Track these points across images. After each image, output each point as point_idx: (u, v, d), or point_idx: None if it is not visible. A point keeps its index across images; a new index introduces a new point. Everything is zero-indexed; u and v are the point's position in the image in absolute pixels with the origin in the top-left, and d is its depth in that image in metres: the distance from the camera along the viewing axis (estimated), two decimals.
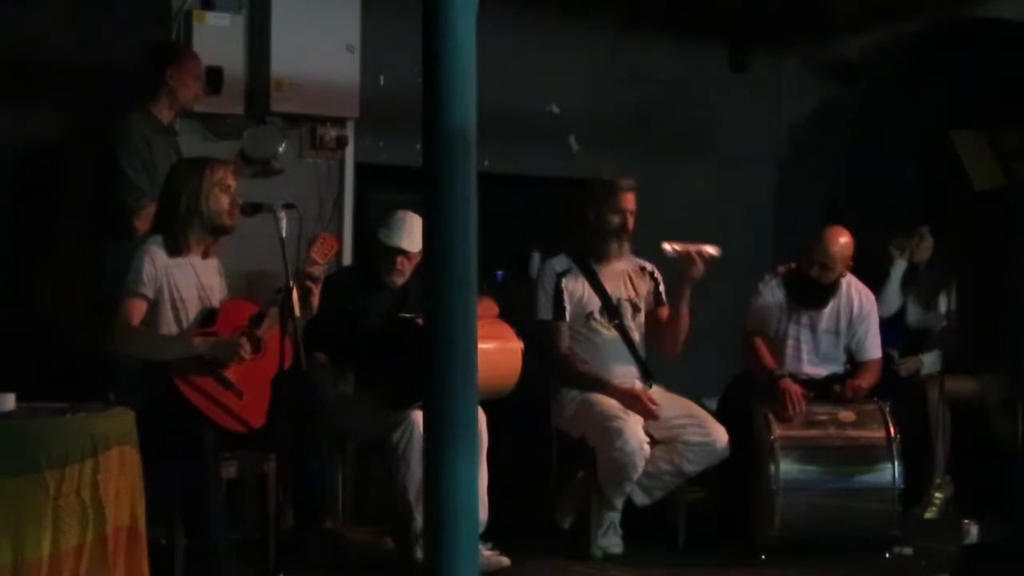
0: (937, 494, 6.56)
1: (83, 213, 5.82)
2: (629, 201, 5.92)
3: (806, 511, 5.68)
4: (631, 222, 5.93)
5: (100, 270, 5.40)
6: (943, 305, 6.88)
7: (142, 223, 5.35)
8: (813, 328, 6.20)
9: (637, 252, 6.09)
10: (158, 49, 5.75)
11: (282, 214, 4.90)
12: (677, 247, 5.74)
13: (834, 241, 6.07)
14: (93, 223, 5.67)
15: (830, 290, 6.16)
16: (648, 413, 5.76)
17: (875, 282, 6.51)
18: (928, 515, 6.51)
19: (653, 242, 5.97)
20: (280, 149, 6.21)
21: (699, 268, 5.73)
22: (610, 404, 5.76)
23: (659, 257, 5.94)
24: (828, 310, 6.19)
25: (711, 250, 5.76)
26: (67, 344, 5.69)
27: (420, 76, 3.42)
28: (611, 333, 5.95)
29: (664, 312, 6.00)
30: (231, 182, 5.04)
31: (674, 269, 5.83)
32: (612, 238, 5.93)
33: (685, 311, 5.87)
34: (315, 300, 5.07)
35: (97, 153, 5.62)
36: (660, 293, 6.03)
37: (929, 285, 6.94)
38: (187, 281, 4.99)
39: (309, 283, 5.03)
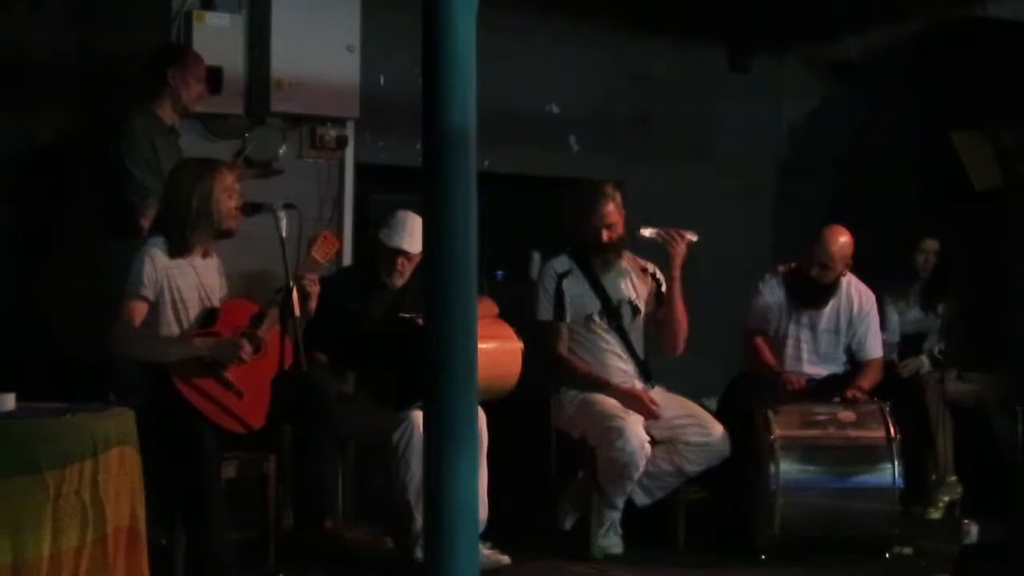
0: (944, 496, 6.54)
1: (84, 213, 5.82)
2: (609, 214, 5.87)
3: (806, 511, 5.68)
4: (613, 234, 5.89)
5: (107, 270, 5.40)
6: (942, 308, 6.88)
7: (148, 222, 5.35)
8: (813, 328, 6.20)
9: (637, 252, 6.08)
10: (160, 50, 5.75)
11: (282, 214, 4.90)
12: (654, 229, 5.76)
13: (833, 240, 6.07)
14: (96, 223, 5.67)
15: (830, 289, 6.16)
16: (649, 413, 5.76)
17: (874, 283, 6.49)
18: (932, 515, 6.50)
19: (653, 242, 5.97)
20: (281, 151, 6.21)
21: (680, 246, 5.76)
22: (610, 404, 5.75)
23: (659, 255, 5.94)
24: (828, 309, 6.19)
25: (690, 235, 5.78)
26: (67, 344, 5.69)
27: (420, 76, 3.42)
28: (611, 335, 5.94)
29: (664, 310, 5.99)
30: (237, 186, 5.05)
31: (663, 258, 5.85)
32: (604, 249, 5.92)
33: (679, 300, 5.87)
34: (312, 304, 5.07)
35: (98, 153, 5.62)
36: (662, 294, 6.02)
37: (928, 290, 6.93)
38: (188, 282, 4.99)
39: (308, 285, 5.03)
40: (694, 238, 5.83)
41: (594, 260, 5.93)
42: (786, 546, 5.68)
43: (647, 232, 5.81)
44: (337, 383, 5.63)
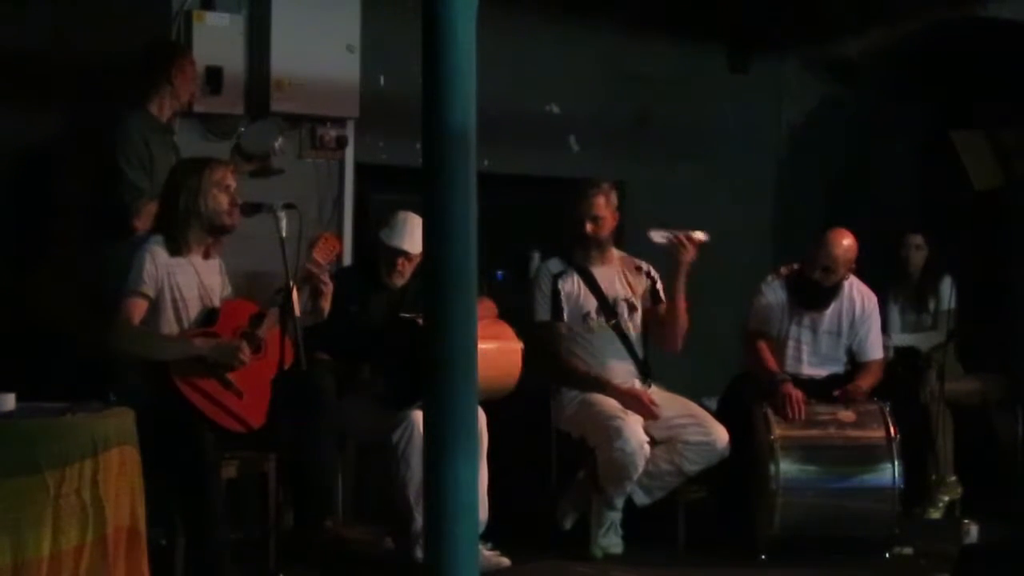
0: (944, 496, 6.54)
1: (82, 213, 5.82)
2: (597, 206, 5.87)
3: (806, 511, 5.68)
4: (600, 227, 5.88)
5: (99, 269, 5.40)
6: (942, 304, 6.87)
7: (141, 222, 5.35)
8: (814, 329, 6.18)
9: (635, 252, 6.08)
10: (162, 48, 5.75)
11: (282, 214, 4.90)
12: (665, 233, 5.71)
13: (837, 244, 6.05)
14: (92, 222, 5.67)
15: (832, 292, 6.14)
16: (648, 413, 5.76)
17: (873, 284, 6.50)
18: (932, 515, 6.50)
19: (663, 247, 5.95)
20: (277, 144, 6.18)
21: (689, 252, 5.71)
22: (610, 404, 5.75)
23: (659, 256, 5.94)
24: (830, 312, 6.17)
25: (699, 235, 5.74)
26: (67, 344, 5.68)
27: (420, 76, 3.42)
28: (608, 333, 5.94)
29: (663, 308, 5.99)
30: (230, 182, 5.04)
31: (667, 260, 5.80)
32: (588, 242, 5.92)
33: (682, 301, 5.85)
34: (326, 303, 5.08)
35: (96, 153, 5.62)
36: (657, 291, 6.01)
37: (921, 287, 6.93)
38: (188, 281, 4.99)
39: (321, 285, 5.04)
40: (704, 238, 5.74)
41: (579, 254, 5.93)
42: (786, 546, 5.68)
43: (656, 236, 5.72)
44: (339, 382, 5.63)
